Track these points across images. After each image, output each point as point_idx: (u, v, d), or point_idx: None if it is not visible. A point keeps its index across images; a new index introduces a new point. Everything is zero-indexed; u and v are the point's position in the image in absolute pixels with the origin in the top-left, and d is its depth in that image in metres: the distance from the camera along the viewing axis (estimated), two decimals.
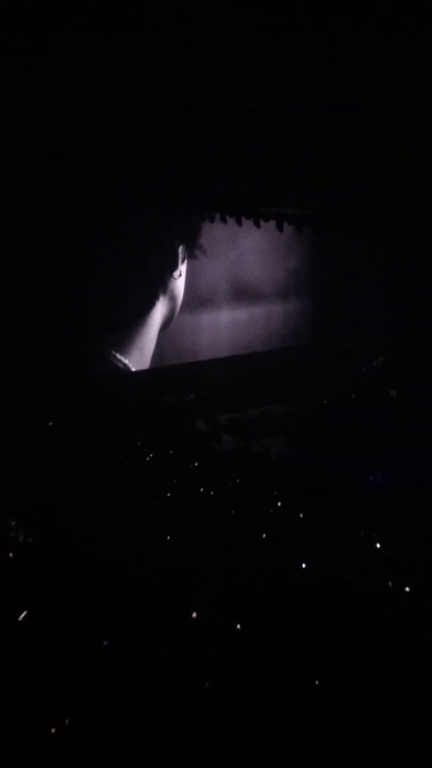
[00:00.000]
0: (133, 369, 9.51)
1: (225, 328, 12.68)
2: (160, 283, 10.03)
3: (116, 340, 9.91)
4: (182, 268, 10.18)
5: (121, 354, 9.81)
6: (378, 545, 4.62)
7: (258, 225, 9.83)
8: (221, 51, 6.00)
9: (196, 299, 12.75)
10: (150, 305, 10.16)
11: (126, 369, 9.30)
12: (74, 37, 5.83)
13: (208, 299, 13.40)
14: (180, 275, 10.05)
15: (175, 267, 10.16)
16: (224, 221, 11.05)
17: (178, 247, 9.96)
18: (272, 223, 9.48)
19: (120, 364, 9.50)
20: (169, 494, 5.57)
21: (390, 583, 3.91)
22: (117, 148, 7.72)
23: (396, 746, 2.73)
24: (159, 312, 10.18)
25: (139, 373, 10.23)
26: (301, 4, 5.13)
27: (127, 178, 8.29)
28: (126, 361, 9.60)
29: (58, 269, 9.03)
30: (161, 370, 10.78)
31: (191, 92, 6.95)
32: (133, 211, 9.57)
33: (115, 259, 9.70)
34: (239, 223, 10.47)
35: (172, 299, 10.19)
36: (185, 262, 10.47)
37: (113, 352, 9.76)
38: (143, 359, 9.92)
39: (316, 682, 3.00)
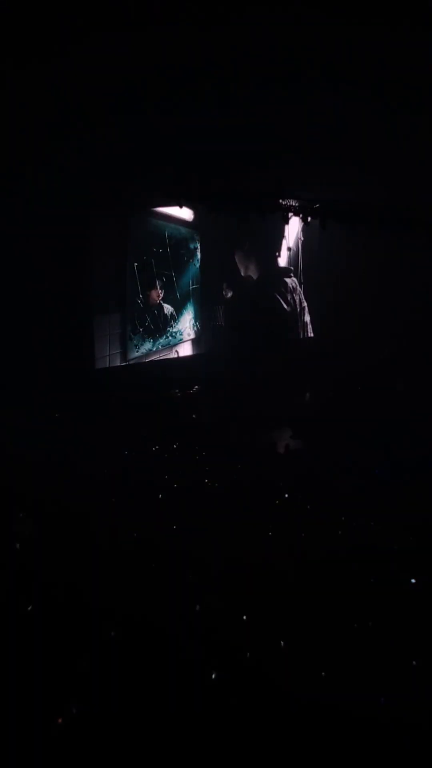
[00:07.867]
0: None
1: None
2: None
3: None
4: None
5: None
6: (384, 537, 4.61)
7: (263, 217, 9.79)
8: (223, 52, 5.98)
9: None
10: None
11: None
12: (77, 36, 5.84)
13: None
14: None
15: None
16: (231, 215, 10.99)
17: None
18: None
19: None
20: (175, 485, 5.57)
21: (396, 574, 3.90)
22: (124, 146, 7.75)
23: (398, 739, 2.73)
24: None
25: (144, 366, 10.21)
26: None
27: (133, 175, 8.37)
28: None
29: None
30: (166, 363, 10.75)
31: (193, 91, 6.91)
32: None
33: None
34: (246, 217, 10.41)
35: None
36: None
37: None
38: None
39: (323, 673, 3.00)
